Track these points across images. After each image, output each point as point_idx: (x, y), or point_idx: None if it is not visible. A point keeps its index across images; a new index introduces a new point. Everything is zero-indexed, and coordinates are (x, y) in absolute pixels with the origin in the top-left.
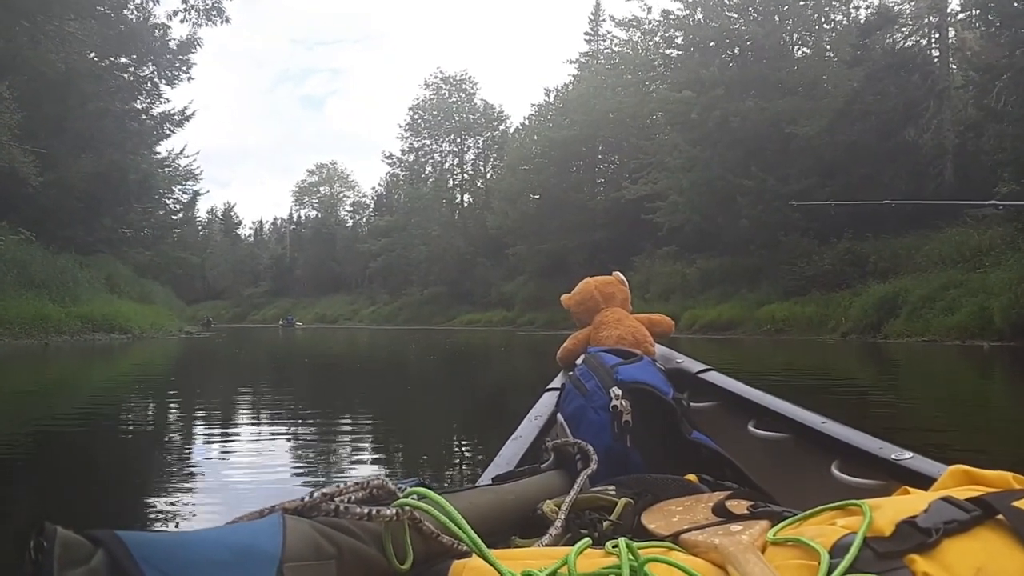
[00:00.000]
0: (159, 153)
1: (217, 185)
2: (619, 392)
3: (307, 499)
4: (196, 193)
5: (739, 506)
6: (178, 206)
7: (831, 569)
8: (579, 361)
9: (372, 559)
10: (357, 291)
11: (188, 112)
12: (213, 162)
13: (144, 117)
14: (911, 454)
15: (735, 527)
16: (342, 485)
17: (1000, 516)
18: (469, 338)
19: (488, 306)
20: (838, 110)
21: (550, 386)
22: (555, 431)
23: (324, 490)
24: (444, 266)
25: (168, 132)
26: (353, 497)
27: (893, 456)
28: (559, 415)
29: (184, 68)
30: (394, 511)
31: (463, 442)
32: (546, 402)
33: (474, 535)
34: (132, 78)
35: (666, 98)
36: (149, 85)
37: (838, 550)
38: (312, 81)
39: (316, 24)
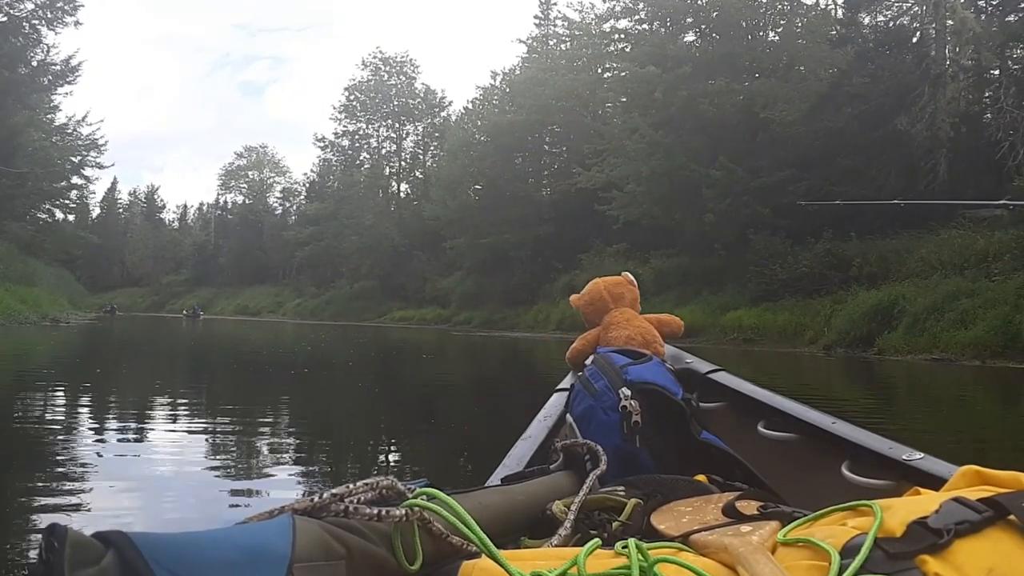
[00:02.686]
0: (54, 117)
1: (150, 171)
2: (628, 392)
3: (316, 499)
4: (99, 166)
5: (749, 507)
6: (79, 180)
7: (842, 570)
8: (588, 361)
9: (381, 559)
10: (283, 282)
11: (73, 63)
12: (146, 147)
13: (22, 67)
14: (922, 454)
15: (745, 528)
16: (351, 486)
17: (1012, 517)
18: (396, 337)
19: (422, 302)
20: (821, 94)
21: (560, 386)
22: (564, 432)
23: (333, 490)
24: (377, 258)
25: (46, 84)
26: (362, 498)
27: (904, 456)
28: (568, 415)
29: (70, 9)
30: (403, 511)
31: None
32: (555, 402)
33: (484, 536)
34: (5, 17)
35: (627, 75)
36: (27, 28)
37: (849, 551)
38: (253, 68)
39: (260, 10)
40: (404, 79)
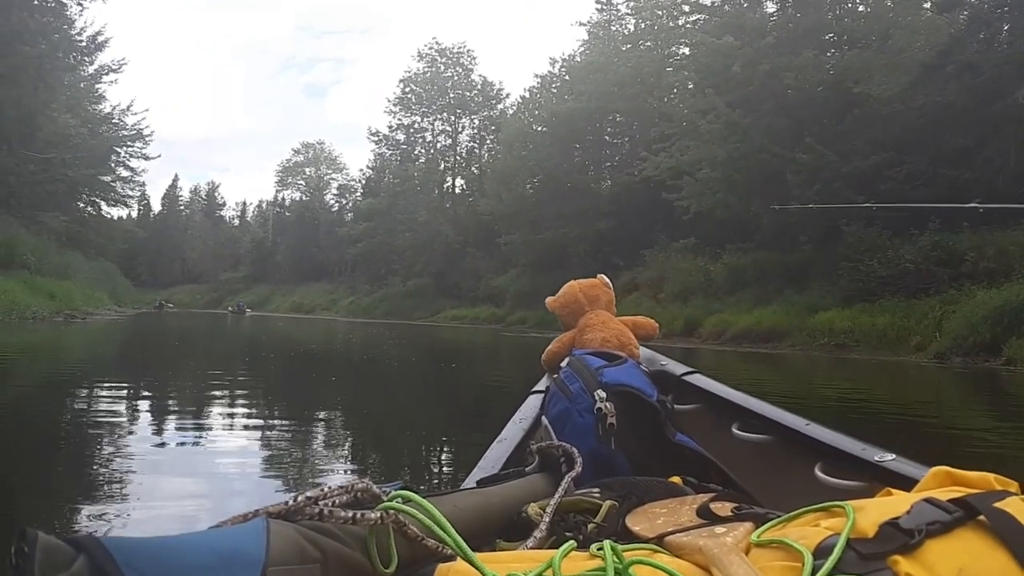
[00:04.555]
0: (100, 108)
1: (216, 171)
2: (604, 395)
3: (291, 503)
4: (145, 157)
5: (723, 508)
6: (125, 171)
7: (815, 570)
8: (564, 364)
9: (356, 563)
10: (338, 280)
11: (100, 40)
12: (213, 148)
13: (42, 43)
14: (893, 456)
15: (719, 529)
16: (326, 488)
17: (982, 517)
18: (447, 337)
19: (476, 301)
20: (925, 65)
21: (535, 388)
22: (540, 434)
23: (308, 493)
24: (430, 256)
25: (72, 62)
26: (337, 501)
27: (876, 458)
28: (544, 418)
29: None
30: (378, 514)
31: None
32: (531, 404)
33: (459, 538)
34: None
35: (701, 46)
36: (52, 3)
37: (822, 551)
38: (317, 70)
39: (325, 12)
40: (461, 71)
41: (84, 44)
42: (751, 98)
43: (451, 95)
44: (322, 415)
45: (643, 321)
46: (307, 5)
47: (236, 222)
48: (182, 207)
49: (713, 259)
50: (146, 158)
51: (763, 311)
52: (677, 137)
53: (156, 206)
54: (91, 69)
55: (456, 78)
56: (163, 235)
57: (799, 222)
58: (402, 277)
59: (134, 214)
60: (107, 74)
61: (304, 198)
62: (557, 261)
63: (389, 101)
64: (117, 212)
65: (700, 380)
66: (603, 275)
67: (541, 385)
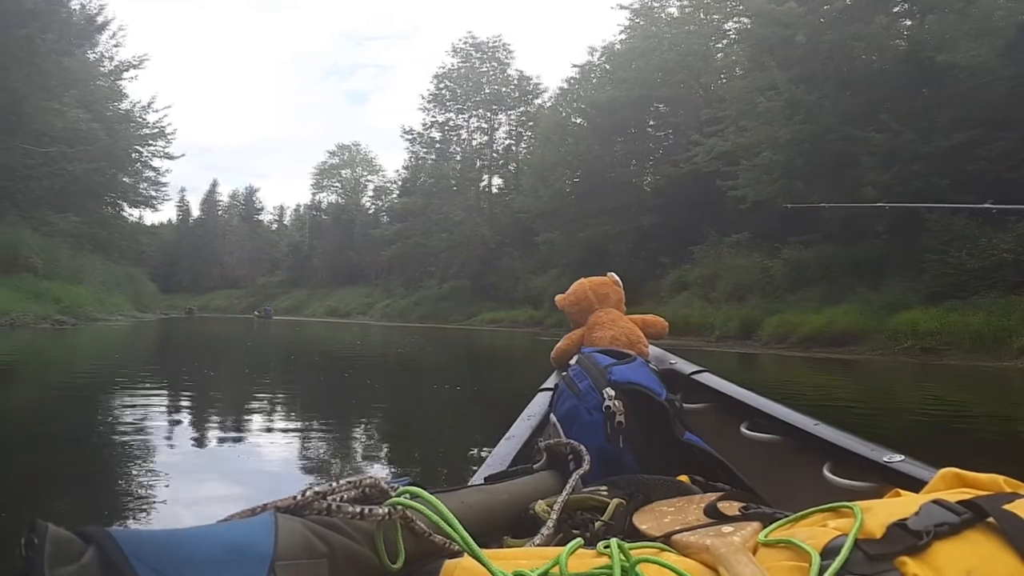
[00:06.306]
0: (116, 95)
1: (258, 177)
2: (612, 393)
3: (299, 497)
4: (168, 156)
5: (731, 507)
6: (149, 172)
7: (822, 571)
8: (573, 361)
9: (364, 558)
10: (374, 283)
11: (102, 20)
12: (255, 155)
13: (33, 22)
14: (902, 457)
15: (726, 528)
16: (334, 484)
17: (991, 519)
18: (484, 344)
19: (514, 303)
20: (1020, 27)
21: (543, 386)
22: (548, 431)
23: (316, 488)
24: (467, 257)
25: (73, 45)
26: (345, 496)
27: (884, 459)
28: (552, 415)
29: None
30: (386, 510)
31: None
32: (539, 402)
33: (466, 535)
34: None
35: (760, 16)
36: None
37: (829, 552)
38: (359, 76)
39: (367, 19)
40: (496, 65)
41: (83, 24)
42: (816, 73)
43: (487, 90)
44: (329, 424)
45: (652, 319)
46: (350, 13)
47: (274, 226)
48: (220, 212)
49: (771, 254)
50: (169, 157)
51: (833, 311)
52: (731, 119)
53: (195, 212)
54: (110, 65)
55: (492, 73)
56: (202, 240)
57: (872, 211)
58: (438, 279)
59: (173, 219)
60: (127, 70)
61: (340, 201)
62: (599, 260)
63: (423, 98)
64: (155, 217)
65: (709, 379)
66: (613, 273)
67: (550, 382)
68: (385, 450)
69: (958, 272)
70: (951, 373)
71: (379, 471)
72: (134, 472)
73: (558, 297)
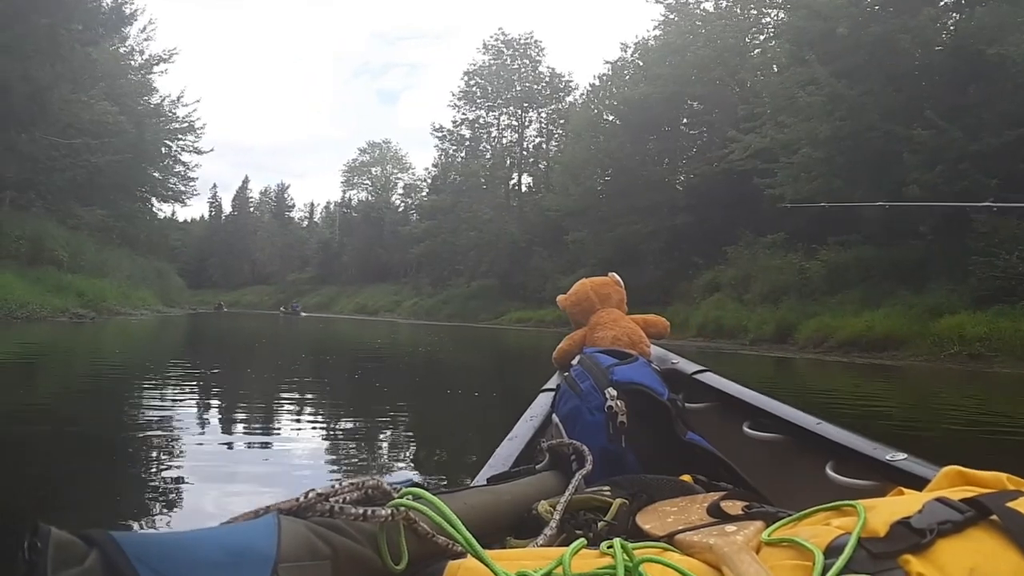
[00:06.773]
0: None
1: (291, 176)
2: (614, 393)
3: (302, 499)
4: (197, 151)
5: (734, 507)
6: (178, 166)
7: (826, 569)
8: (575, 362)
9: (367, 560)
10: (403, 281)
11: (129, 11)
12: (289, 153)
13: (57, 11)
14: (905, 455)
15: (730, 528)
16: (337, 485)
17: (994, 517)
18: (511, 343)
19: (542, 303)
20: None
21: (545, 387)
22: (550, 432)
23: (319, 490)
24: (495, 255)
25: (100, 36)
26: (348, 497)
27: (887, 457)
28: (554, 415)
29: None
30: (389, 511)
31: None
32: (541, 403)
33: (469, 536)
34: None
35: (800, 7)
36: None
37: (832, 551)
38: (390, 75)
39: (399, 18)
40: (528, 62)
41: (110, 15)
42: (859, 67)
43: (518, 88)
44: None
45: (654, 319)
46: (382, 12)
47: (304, 223)
48: (252, 209)
49: (808, 255)
50: (199, 152)
51: (873, 315)
52: (768, 116)
53: (227, 208)
54: (140, 59)
55: (523, 70)
56: (233, 236)
57: (915, 211)
58: (466, 278)
59: (205, 215)
60: (157, 63)
61: (370, 198)
62: (629, 259)
63: (453, 95)
64: (187, 213)
65: (711, 379)
66: (615, 273)
67: (552, 383)
68: (400, 452)
69: (1008, 276)
70: (1000, 381)
71: (394, 470)
72: (134, 472)
73: (560, 297)
